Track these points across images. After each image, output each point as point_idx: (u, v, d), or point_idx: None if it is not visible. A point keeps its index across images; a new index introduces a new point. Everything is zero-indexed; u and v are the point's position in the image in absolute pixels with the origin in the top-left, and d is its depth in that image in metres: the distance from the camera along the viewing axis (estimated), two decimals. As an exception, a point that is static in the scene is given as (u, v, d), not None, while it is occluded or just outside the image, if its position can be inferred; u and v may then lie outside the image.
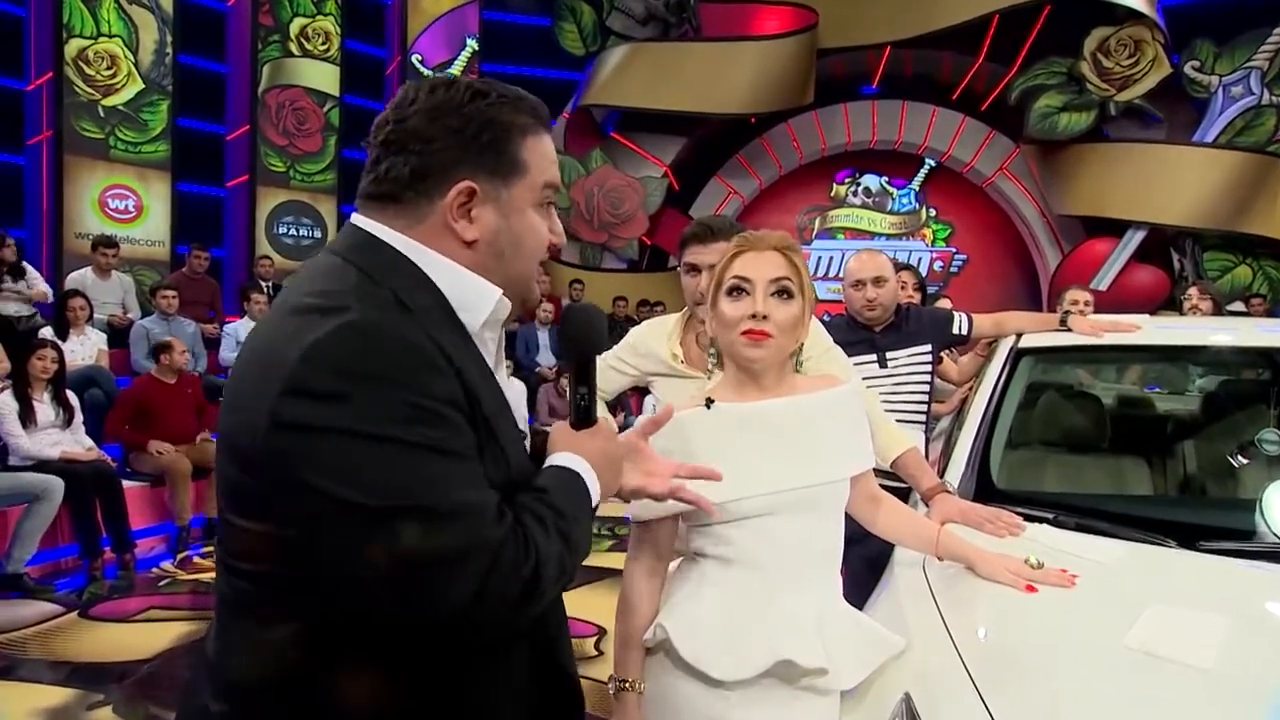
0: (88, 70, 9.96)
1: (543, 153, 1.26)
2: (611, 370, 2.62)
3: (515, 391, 8.77)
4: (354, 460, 1.01)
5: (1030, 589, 1.73)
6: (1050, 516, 2.17)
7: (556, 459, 1.28)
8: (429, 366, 1.08)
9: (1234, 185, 11.76)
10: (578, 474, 1.26)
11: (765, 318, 1.61)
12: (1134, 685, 1.45)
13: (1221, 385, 3.06)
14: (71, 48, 9.83)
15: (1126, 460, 2.76)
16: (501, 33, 13.33)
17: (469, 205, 1.20)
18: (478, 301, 1.22)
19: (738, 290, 1.65)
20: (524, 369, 9.67)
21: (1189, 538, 2.03)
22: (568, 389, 1.38)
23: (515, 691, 1.20)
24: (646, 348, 2.55)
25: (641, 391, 2.70)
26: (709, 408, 1.64)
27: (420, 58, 12.89)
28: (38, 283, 8.01)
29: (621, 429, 1.46)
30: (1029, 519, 2.14)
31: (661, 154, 13.07)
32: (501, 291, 1.23)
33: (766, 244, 1.67)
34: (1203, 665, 1.48)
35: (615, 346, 2.66)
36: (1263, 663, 1.51)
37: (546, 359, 10.11)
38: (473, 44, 12.80)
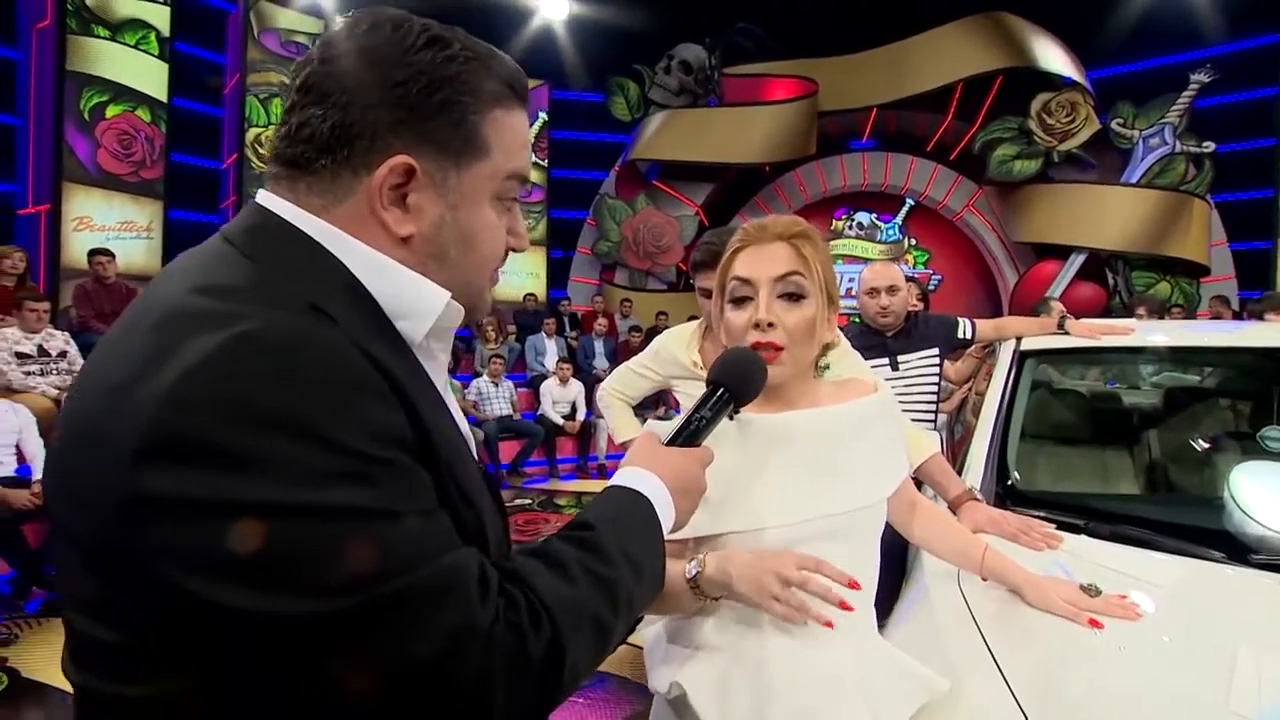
0: (260, 150, 10.22)
1: (512, 132, 0.71)
2: (637, 376, 2.20)
3: (573, 390, 8.21)
4: (274, 553, 0.50)
5: (1094, 624, 1.14)
6: (1082, 523, 1.58)
7: (624, 476, 0.76)
8: (364, 392, 0.56)
9: (1154, 217, 11.12)
10: (643, 497, 0.73)
11: (771, 325, 1.05)
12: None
13: (1220, 383, 2.43)
14: (250, 135, 10.14)
15: (1140, 456, 2.15)
16: (566, 106, 12.89)
17: (404, 188, 0.66)
18: (419, 305, 0.67)
19: (741, 297, 1.08)
20: (583, 371, 9.01)
21: (1234, 548, 1.45)
22: (692, 407, 0.91)
23: None
24: (669, 353, 2.10)
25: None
26: (731, 419, 1.00)
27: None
28: None
29: (662, 420, 0.94)
30: (1060, 527, 1.56)
31: (694, 197, 12.59)
32: (450, 294, 0.69)
33: (770, 234, 1.09)
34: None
35: (640, 354, 2.21)
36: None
37: (602, 364, 9.40)
38: (543, 115, 12.38)
